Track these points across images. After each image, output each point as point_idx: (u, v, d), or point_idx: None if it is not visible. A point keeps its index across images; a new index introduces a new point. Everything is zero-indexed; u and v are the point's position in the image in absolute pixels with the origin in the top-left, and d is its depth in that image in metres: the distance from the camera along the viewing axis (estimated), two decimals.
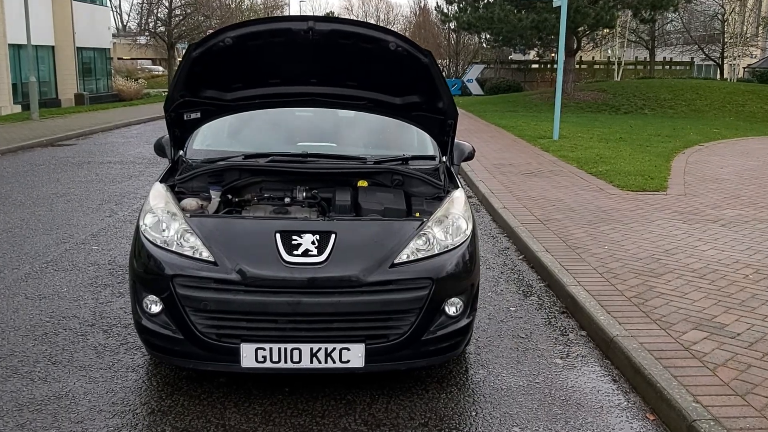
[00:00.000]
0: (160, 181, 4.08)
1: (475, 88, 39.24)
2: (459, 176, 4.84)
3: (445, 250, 3.65)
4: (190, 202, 3.94)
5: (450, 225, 3.77)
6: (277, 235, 3.52)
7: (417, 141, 4.78)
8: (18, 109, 23.38)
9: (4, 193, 9.11)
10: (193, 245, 3.52)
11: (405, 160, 4.41)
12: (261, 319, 3.42)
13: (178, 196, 4.02)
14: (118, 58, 38.30)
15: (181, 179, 4.08)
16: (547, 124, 17.56)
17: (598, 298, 4.93)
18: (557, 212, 7.89)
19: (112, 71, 35.24)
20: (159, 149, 4.79)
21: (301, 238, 3.51)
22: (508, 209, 8.06)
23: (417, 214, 3.94)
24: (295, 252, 3.46)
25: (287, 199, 4.05)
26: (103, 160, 12.50)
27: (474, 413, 3.54)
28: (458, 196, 4.04)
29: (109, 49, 34.38)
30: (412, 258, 3.55)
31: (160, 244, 3.57)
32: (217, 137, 4.74)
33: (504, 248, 6.83)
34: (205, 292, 3.41)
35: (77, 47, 29.18)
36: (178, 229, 3.60)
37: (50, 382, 3.74)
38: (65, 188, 9.51)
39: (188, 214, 3.70)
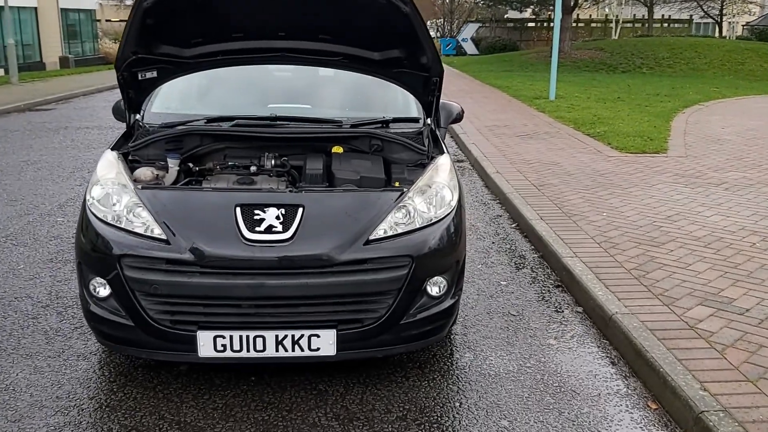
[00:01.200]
0: (112, 149, 3.67)
1: (470, 47, 38.49)
2: (446, 140, 4.44)
3: (428, 223, 3.27)
4: (144, 173, 3.54)
5: (433, 195, 3.38)
6: (237, 209, 3.13)
7: (400, 102, 4.36)
8: (1, 73, 22.74)
9: None
10: (145, 221, 3.13)
11: (385, 123, 4.00)
12: (220, 304, 3.05)
13: (133, 166, 3.62)
14: (106, 20, 37.29)
15: (135, 146, 3.67)
16: (544, 84, 17.05)
17: (595, 270, 4.57)
18: (553, 177, 7.50)
19: (99, 33, 34.36)
20: (117, 113, 4.38)
21: (264, 212, 3.12)
22: (501, 174, 7.67)
23: (396, 184, 3.55)
24: (257, 228, 3.08)
25: (253, 168, 3.65)
26: (80, 125, 12.01)
27: (458, 403, 3.20)
28: (443, 162, 3.64)
29: (95, 10, 33.52)
30: (390, 233, 3.17)
31: (108, 220, 3.18)
32: (179, 99, 4.31)
33: (496, 216, 6.46)
34: (156, 274, 3.03)
35: (61, 8, 28.38)
36: (128, 203, 3.21)
37: None
38: (37, 155, 9.07)
39: (140, 186, 3.30)
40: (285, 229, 3.08)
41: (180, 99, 4.30)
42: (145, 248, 3.05)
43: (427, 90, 3.89)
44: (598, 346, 3.80)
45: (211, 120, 3.90)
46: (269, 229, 3.07)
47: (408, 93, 4.08)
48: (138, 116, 4.00)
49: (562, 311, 4.28)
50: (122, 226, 3.14)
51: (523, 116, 12.57)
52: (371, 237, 3.13)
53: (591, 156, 8.71)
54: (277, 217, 3.11)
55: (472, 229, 5.97)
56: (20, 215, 6.19)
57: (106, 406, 3.12)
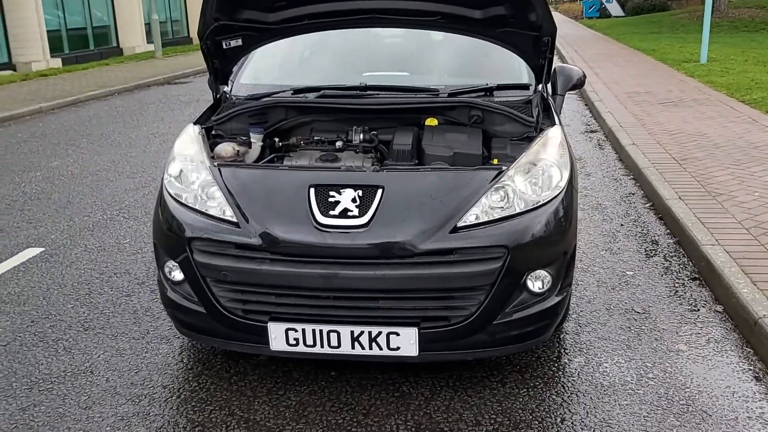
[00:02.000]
0: (195, 123, 3.47)
1: (615, 8, 36.19)
2: (563, 109, 3.91)
3: (530, 207, 2.82)
4: (225, 148, 3.31)
5: (538, 175, 2.91)
6: (311, 190, 2.82)
7: (508, 67, 3.86)
8: (151, 47, 23.94)
9: (106, 133, 9.02)
10: (218, 202, 2.90)
11: (488, 91, 3.53)
12: (292, 295, 2.77)
13: (215, 141, 3.40)
14: None
15: (218, 120, 3.45)
16: (695, 46, 15.56)
17: (741, 262, 3.89)
18: (698, 149, 6.66)
19: None
20: (210, 85, 4.19)
21: (339, 194, 2.80)
22: (638, 146, 6.92)
23: (495, 161, 3.10)
24: (331, 212, 2.75)
25: (339, 144, 3.33)
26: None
27: (560, 419, 2.75)
28: (553, 136, 3.14)
29: None
30: (482, 219, 2.75)
31: (182, 200, 2.98)
32: (269, 69, 4.06)
33: (628, 194, 5.79)
34: (225, 260, 2.79)
35: None
36: (203, 181, 3.00)
37: (74, 353, 3.32)
38: (166, 128, 9.29)
39: (216, 164, 3.07)
40: (361, 214, 2.74)
41: (270, 69, 4.05)
42: (215, 231, 2.82)
43: (538, 52, 3.38)
44: (740, 356, 3.19)
45: (297, 91, 3.61)
46: (344, 213, 2.74)
47: (517, 56, 3.58)
48: (226, 88, 3.78)
49: (698, 310, 3.66)
50: (196, 206, 2.93)
51: (668, 81, 11.46)
52: (460, 224, 2.73)
53: (745, 126, 7.70)
54: (353, 200, 2.77)
55: (599, 208, 5.37)
56: (137, 188, 6.27)
57: (177, 396, 2.95)
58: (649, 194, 5.63)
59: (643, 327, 3.48)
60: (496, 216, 2.77)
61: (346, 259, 2.70)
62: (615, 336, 3.39)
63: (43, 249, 4.73)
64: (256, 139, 3.39)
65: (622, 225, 5.01)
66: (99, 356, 3.29)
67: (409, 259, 2.68)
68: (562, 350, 3.26)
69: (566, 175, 2.98)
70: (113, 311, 3.76)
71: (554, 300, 2.88)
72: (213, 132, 3.47)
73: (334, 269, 2.69)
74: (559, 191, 2.91)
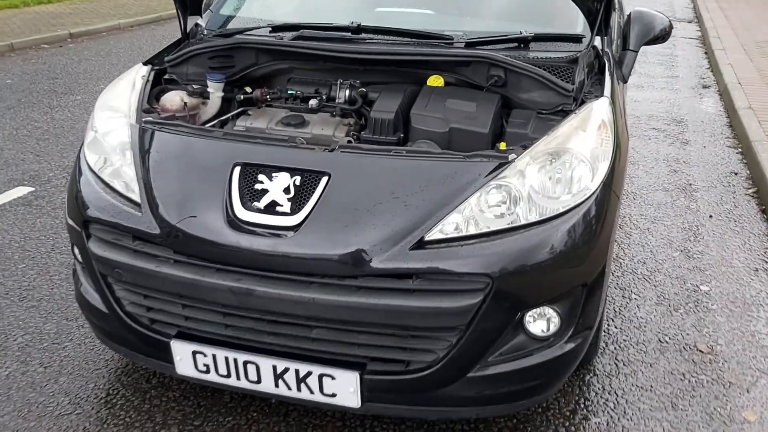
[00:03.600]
0: (145, 62, 2.77)
1: None
2: (631, 72, 2.94)
3: (539, 219, 1.98)
4: (172, 99, 2.60)
5: (559, 170, 2.05)
6: (235, 171, 2.08)
7: (567, 10, 2.90)
8: None
9: None
10: (128, 174, 2.23)
11: (522, 42, 2.62)
12: (200, 308, 2.08)
13: (167, 88, 2.71)
14: None
15: (172, 61, 2.73)
16: None
17: None
18: None
19: None
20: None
21: (270, 179, 2.05)
22: (755, 111, 5.67)
23: (502, 145, 2.23)
24: (255, 203, 2.02)
25: (313, 102, 2.55)
26: None
27: None
28: (595, 114, 2.25)
29: None
30: (465, 231, 1.95)
31: (92, 165, 2.33)
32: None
33: (729, 174, 4.68)
34: (121, 254, 2.13)
35: None
36: (120, 143, 2.33)
37: None
38: None
39: (143, 120, 2.38)
40: (293, 210, 1.98)
41: None
42: (114, 213, 2.15)
43: None
44: None
45: (276, 28, 2.82)
46: (271, 208, 2.00)
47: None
48: (200, 19, 3.05)
49: None
50: (103, 176, 2.27)
51: None
52: (429, 236, 1.93)
53: None
54: (287, 190, 2.01)
55: (687, 190, 4.33)
56: None
57: (70, 411, 2.37)
58: (756, 178, 4.51)
59: (704, 376, 2.58)
60: (487, 228, 1.95)
61: (264, 271, 1.96)
62: (660, 387, 2.52)
63: (33, 189, 4.26)
64: (214, 89, 2.66)
65: (710, 216, 3.98)
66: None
67: (351, 280, 1.92)
68: (581, 400, 2.43)
69: (600, 174, 2.10)
70: (59, 279, 3.22)
71: (564, 348, 2.06)
72: (166, 76, 2.76)
73: (249, 283, 1.97)
74: (584, 198, 2.03)
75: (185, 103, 2.59)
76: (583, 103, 2.34)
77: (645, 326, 2.88)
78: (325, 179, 2.01)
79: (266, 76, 2.77)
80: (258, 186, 2.03)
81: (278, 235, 1.95)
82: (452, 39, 2.59)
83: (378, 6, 3.05)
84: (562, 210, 2.00)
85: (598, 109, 2.27)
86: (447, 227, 1.94)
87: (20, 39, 9.03)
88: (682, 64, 7.95)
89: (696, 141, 5.31)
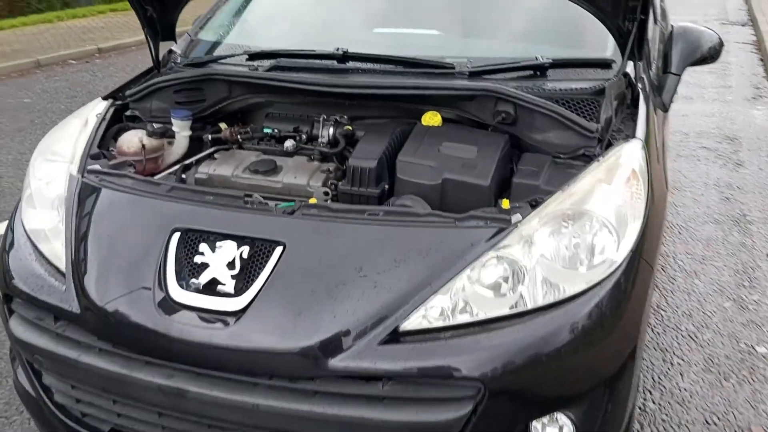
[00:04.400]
0: (106, 97, 2.44)
1: None
2: (672, 99, 2.48)
3: (552, 302, 1.56)
4: (129, 141, 2.26)
5: (577, 237, 1.64)
6: (174, 238, 1.72)
7: (595, 30, 2.45)
8: None
9: None
10: (60, 236, 1.88)
11: (538, 69, 2.19)
12: (129, 405, 1.72)
13: (129, 126, 2.37)
14: None
15: (134, 95, 2.38)
16: None
17: None
18: None
19: None
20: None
21: (212, 249, 1.67)
22: None
23: (504, 203, 1.81)
24: (193, 281, 1.64)
25: (289, 144, 2.18)
26: None
27: None
28: (624, 162, 1.83)
29: None
30: (453, 320, 1.54)
31: (24, 224, 2.00)
32: (241, 20, 2.90)
33: None
34: (41, 336, 1.78)
35: None
36: (58, 197, 1.99)
37: None
38: None
39: (85, 170, 2.04)
40: (238, 290, 1.61)
41: (244, 20, 2.88)
42: (36, 286, 1.81)
43: (619, 8, 2.01)
44: None
45: (253, 56, 2.45)
46: (211, 287, 1.62)
47: (594, 16, 2.18)
48: (175, 45, 2.70)
49: None
50: (35, 239, 1.93)
51: None
52: (404, 325, 1.53)
53: None
54: (231, 264, 1.64)
55: (740, 223, 3.82)
56: None
57: None
58: None
59: None
60: (482, 314, 1.55)
61: (200, 367, 1.59)
62: None
63: None
64: (180, 128, 2.31)
65: None
66: None
67: (305, 383, 1.54)
68: None
69: (629, 240, 1.67)
70: None
71: None
72: (128, 112, 2.42)
73: (181, 382, 1.60)
74: (606, 273, 1.61)
75: (143, 145, 2.24)
76: (610, 145, 1.91)
77: (689, 401, 2.42)
78: (278, 251, 1.63)
79: (244, 110, 2.41)
80: (198, 258, 1.66)
81: (217, 322, 1.57)
82: (454, 68, 2.18)
83: (376, 27, 2.66)
84: (578, 290, 1.58)
85: (628, 154, 1.84)
86: (430, 313, 1.54)
87: (48, 55, 8.91)
88: (735, 72, 7.35)
89: (751, 162, 4.77)
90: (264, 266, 1.61)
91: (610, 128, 1.98)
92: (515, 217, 1.66)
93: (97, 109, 2.37)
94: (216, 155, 2.22)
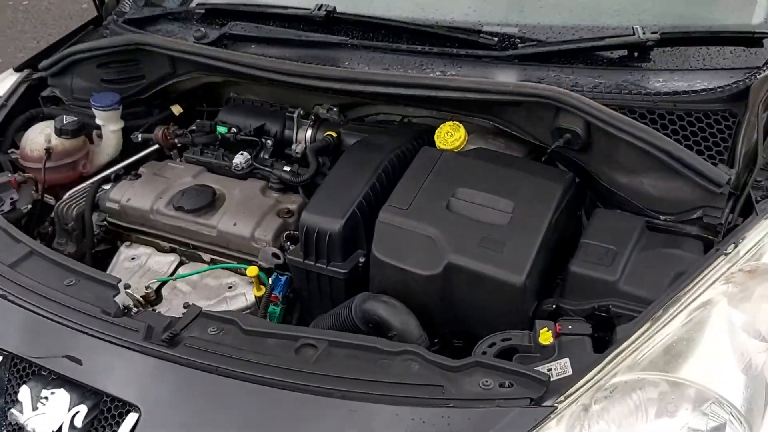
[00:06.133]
0: (18, 68, 1.78)
1: None
2: None
3: None
4: (33, 142, 1.61)
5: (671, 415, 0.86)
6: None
7: None
8: None
9: None
10: None
11: (636, 50, 1.33)
12: None
13: (43, 113, 1.71)
14: None
15: (49, 67, 1.69)
16: None
17: None
18: None
19: None
20: None
21: (37, 401, 1.00)
22: None
23: (544, 337, 1.01)
24: None
25: (238, 161, 1.45)
26: None
27: None
28: None
29: None
30: None
31: None
32: None
33: None
34: None
35: None
36: None
37: None
38: None
39: None
40: None
41: None
42: None
43: None
44: None
45: (209, 12, 1.69)
46: None
47: None
48: None
49: None
50: None
51: None
52: None
53: None
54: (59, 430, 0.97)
55: None
56: None
57: None
58: None
59: None
60: None
61: None
62: None
63: None
64: (104, 120, 1.63)
65: None
66: None
67: None
68: None
69: None
70: None
71: None
72: (45, 92, 1.74)
73: None
74: None
75: (47, 149, 1.57)
76: (750, 206, 1.09)
77: None
78: (135, 418, 0.94)
79: (201, 90, 1.69)
80: (15, 412, 1.00)
81: None
82: (495, 45, 1.36)
83: None
84: None
85: None
86: None
87: None
88: None
89: None
90: None
91: (754, 172, 1.14)
92: (558, 372, 0.91)
93: (2, 85, 1.71)
94: (142, 168, 1.53)
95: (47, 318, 1.04)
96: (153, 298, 1.33)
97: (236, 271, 1.34)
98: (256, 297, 1.28)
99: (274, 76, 1.40)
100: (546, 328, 0.99)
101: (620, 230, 1.14)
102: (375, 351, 0.97)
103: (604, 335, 1.02)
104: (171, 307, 1.32)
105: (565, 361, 0.94)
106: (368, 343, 0.99)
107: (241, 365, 0.94)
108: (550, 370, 0.94)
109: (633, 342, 0.92)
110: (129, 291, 1.24)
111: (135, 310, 1.15)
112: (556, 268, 1.16)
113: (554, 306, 1.10)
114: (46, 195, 1.58)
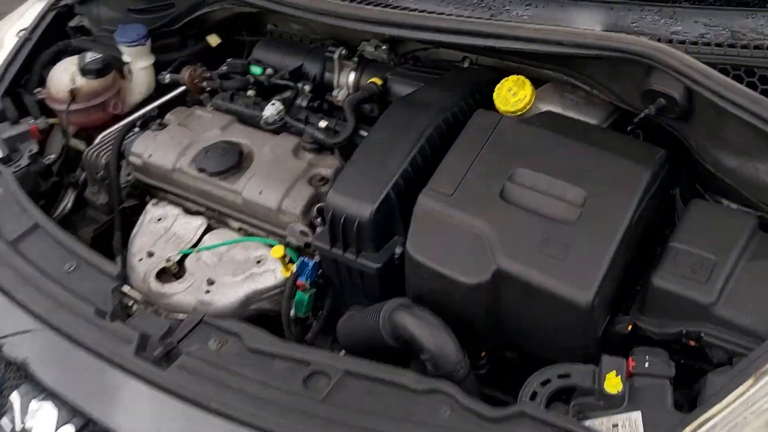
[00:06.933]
0: None
1: None
2: None
3: None
4: (58, 81, 1.48)
5: None
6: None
7: None
8: None
9: None
10: None
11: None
12: None
13: (71, 46, 1.58)
14: None
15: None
16: None
17: None
18: None
19: None
20: None
21: (25, 412, 0.90)
22: None
23: (612, 383, 0.80)
24: None
25: (269, 112, 1.26)
26: None
27: None
28: None
29: None
30: None
31: None
32: None
33: None
34: None
35: None
36: None
37: None
38: None
39: None
40: None
41: None
42: None
43: None
44: None
45: None
46: None
47: None
48: None
49: None
50: None
51: None
52: None
53: None
54: None
55: None
56: None
57: None
58: None
59: None
60: None
61: None
62: None
63: None
64: (132, 56, 1.47)
65: None
66: None
67: None
68: None
69: None
70: None
71: None
72: (73, 22, 1.59)
73: None
74: None
75: (71, 91, 1.43)
76: None
77: None
78: None
79: (240, 18, 1.50)
80: (3, 425, 0.91)
81: None
82: None
83: None
84: None
85: None
86: None
87: None
88: None
89: None
90: None
91: None
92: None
93: (26, 15, 1.56)
94: (169, 115, 1.37)
95: (38, 319, 0.93)
96: (176, 271, 1.21)
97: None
98: (285, 278, 1.14)
99: (309, 16, 1.18)
100: (615, 372, 0.78)
101: (723, 231, 0.89)
102: (399, 387, 0.81)
103: (689, 376, 0.81)
104: (194, 281, 1.19)
105: (637, 417, 0.75)
106: (392, 378, 0.82)
107: (238, 399, 0.80)
108: (615, 426, 0.75)
109: (727, 406, 0.71)
110: (128, 291, 1.11)
111: (135, 307, 1.03)
112: (637, 270, 0.94)
113: (630, 326, 0.89)
114: (77, 139, 1.47)
